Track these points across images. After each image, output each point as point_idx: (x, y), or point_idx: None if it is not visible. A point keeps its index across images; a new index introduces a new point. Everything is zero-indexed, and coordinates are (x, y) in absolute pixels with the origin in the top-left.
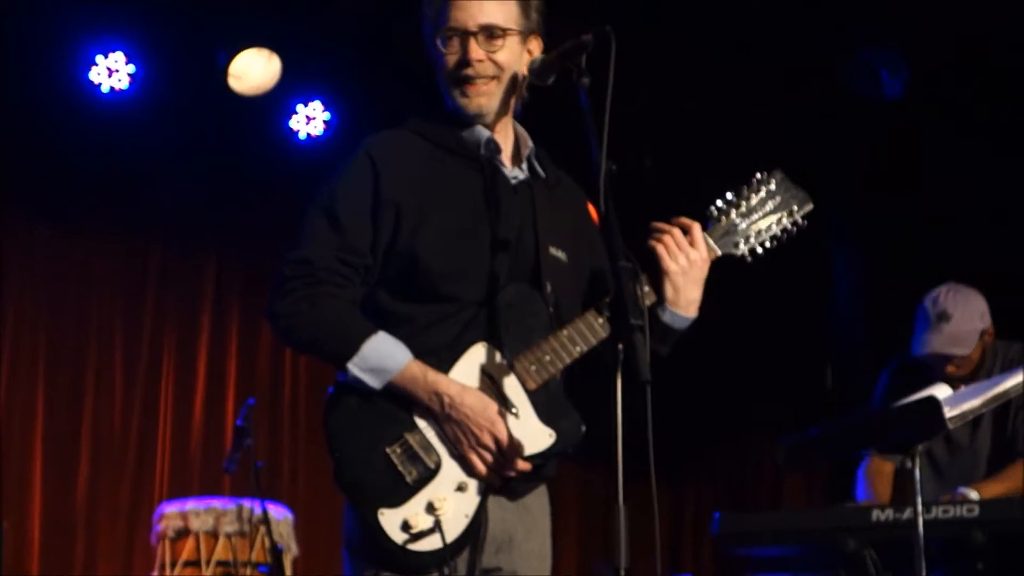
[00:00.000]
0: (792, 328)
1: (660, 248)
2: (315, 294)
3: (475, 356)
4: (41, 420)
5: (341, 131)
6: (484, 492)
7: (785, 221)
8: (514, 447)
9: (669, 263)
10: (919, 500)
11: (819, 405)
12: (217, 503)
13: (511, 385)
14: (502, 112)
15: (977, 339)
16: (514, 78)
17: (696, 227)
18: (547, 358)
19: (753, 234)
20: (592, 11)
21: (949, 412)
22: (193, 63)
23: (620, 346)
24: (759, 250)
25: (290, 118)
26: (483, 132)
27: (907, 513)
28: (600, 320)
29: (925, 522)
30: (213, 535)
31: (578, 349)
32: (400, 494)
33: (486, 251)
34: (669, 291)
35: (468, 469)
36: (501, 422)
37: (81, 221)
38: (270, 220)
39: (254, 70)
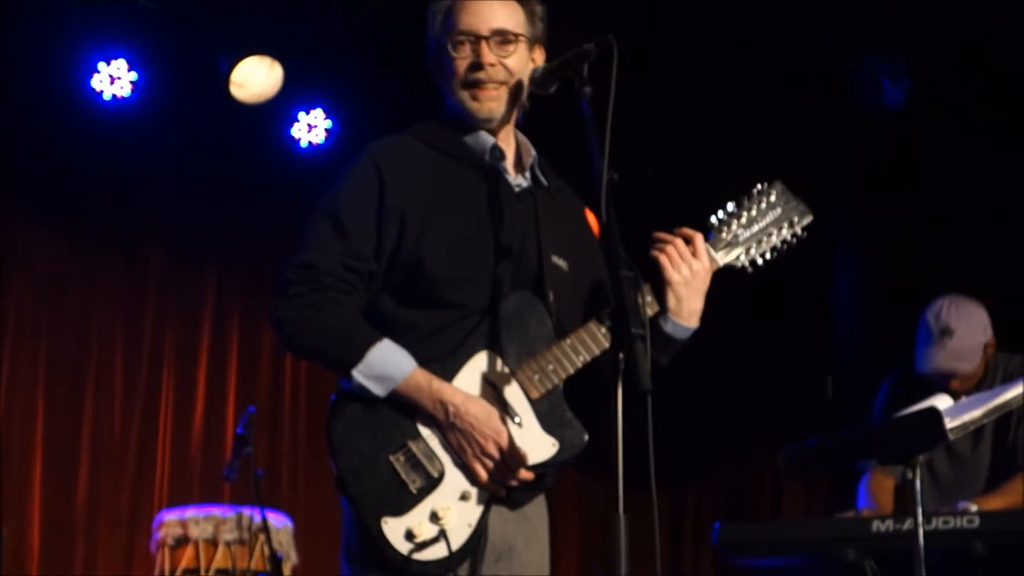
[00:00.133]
0: (793, 338)
1: (663, 258)
2: (320, 300)
3: (478, 364)
4: (41, 424)
5: (342, 139)
6: (487, 501)
7: (785, 232)
8: (517, 456)
9: (672, 273)
10: (920, 511)
11: (820, 415)
12: (217, 511)
13: (514, 394)
14: (506, 120)
15: (980, 353)
16: (518, 86)
17: (699, 238)
18: (550, 367)
19: (754, 245)
20: (590, 18)
21: (950, 423)
22: (195, 71)
23: (621, 355)
24: (760, 261)
25: (292, 126)
26: (488, 138)
27: (907, 524)
28: (603, 330)
29: (925, 533)
30: (212, 543)
31: (581, 358)
32: (404, 503)
33: (490, 258)
34: (672, 301)
35: (471, 478)
36: (505, 432)
37: (83, 228)
38: (271, 228)
39: (256, 78)
